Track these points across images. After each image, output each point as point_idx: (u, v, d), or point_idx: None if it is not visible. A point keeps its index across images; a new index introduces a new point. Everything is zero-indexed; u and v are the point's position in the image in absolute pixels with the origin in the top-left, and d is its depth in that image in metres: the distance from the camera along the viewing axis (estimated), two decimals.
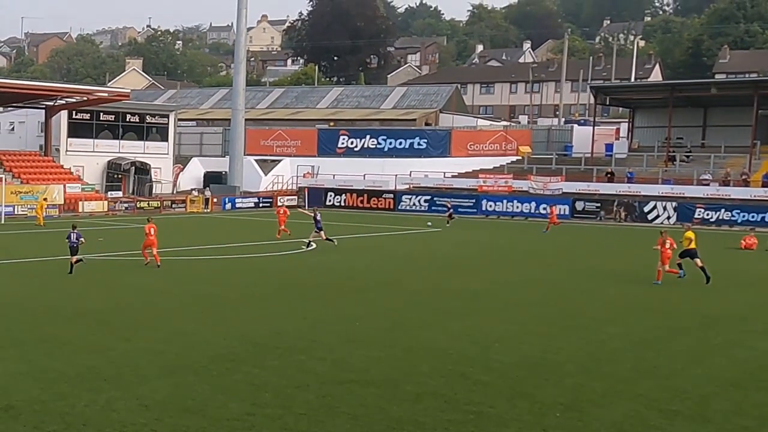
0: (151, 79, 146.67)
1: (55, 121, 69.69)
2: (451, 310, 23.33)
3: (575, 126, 79.03)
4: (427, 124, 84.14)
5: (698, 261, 28.96)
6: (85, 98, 67.66)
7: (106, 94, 67.62)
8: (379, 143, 77.95)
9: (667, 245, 28.52)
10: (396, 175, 69.94)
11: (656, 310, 23.62)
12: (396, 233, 49.92)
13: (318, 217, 39.73)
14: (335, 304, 23.94)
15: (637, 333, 20.44)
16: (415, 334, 19.93)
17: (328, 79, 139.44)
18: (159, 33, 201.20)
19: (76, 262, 29.74)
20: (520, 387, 15.29)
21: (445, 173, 69.84)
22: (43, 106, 68.52)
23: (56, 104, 68.07)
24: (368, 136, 78.60)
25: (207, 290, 26.36)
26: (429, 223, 54.34)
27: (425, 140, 76.64)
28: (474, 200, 65.41)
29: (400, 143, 77.32)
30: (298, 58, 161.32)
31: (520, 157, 72.12)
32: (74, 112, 71.56)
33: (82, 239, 30.15)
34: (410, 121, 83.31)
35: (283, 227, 43.97)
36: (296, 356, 17.48)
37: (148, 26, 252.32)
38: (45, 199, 56.60)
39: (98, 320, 21.23)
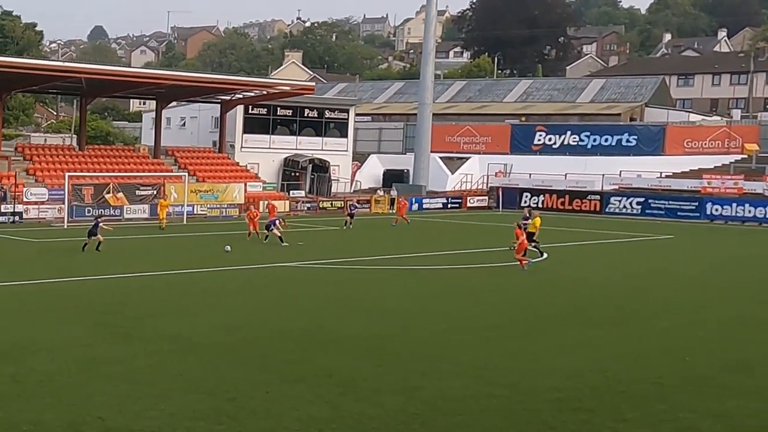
0: (311, 72, 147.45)
1: (230, 116, 69.75)
2: None
3: None
4: (631, 119, 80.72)
5: None
6: (265, 92, 67.24)
7: (288, 88, 66.98)
8: (581, 140, 75.16)
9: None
10: (603, 175, 67.00)
11: None
12: (620, 240, 47.23)
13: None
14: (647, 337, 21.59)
15: None
16: None
17: (501, 71, 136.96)
18: (315, 25, 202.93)
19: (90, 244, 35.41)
20: None
21: (661, 173, 66.41)
22: (219, 101, 68.61)
23: (233, 98, 68.05)
24: (569, 132, 75.96)
25: (471, 311, 24.57)
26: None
27: (635, 137, 73.41)
28: (696, 203, 61.87)
29: (606, 140, 74.30)
30: (466, 50, 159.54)
31: (746, 156, 68.03)
32: (250, 107, 71.53)
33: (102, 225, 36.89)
34: (613, 116, 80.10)
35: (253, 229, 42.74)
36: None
37: (298, 19, 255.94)
38: (164, 199, 53.42)
39: None
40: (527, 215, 39.03)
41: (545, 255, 36.52)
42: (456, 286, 28.69)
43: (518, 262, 32.00)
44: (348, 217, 51.22)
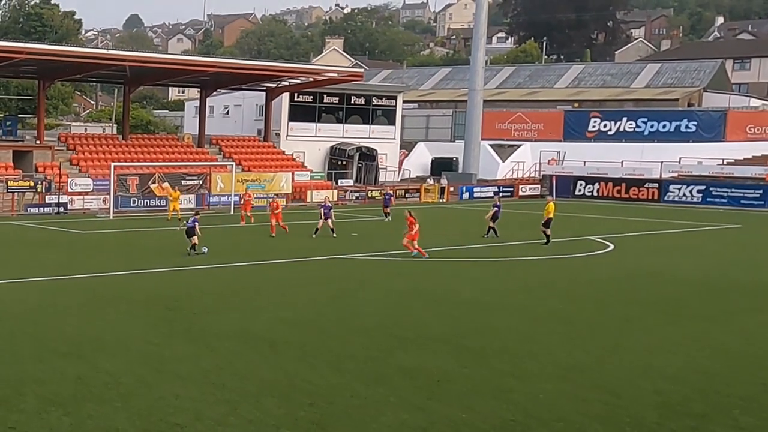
0: (353, 59, 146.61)
1: (275, 104, 69.02)
2: None
3: None
4: (689, 105, 79.07)
5: None
6: (312, 79, 66.40)
7: (336, 75, 66.03)
8: (638, 126, 73.77)
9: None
10: (662, 162, 65.52)
11: None
12: (685, 230, 45.97)
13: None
14: None
15: None
16: None
17: (548, 57, 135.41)
18: (355, 11, 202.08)
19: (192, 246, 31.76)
20: None
21: (723, 160, 64.86)
22: (264, 88, 67.86)
23: (279, 86, 67.27)
24: (625, 119, 74.58)
25: (550, 305, 23.57)
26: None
27: (695, 122, 71.88)
28: (761, 191, 60.25)
29: (664, 126, 72.85)
30: (510, 35, 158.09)
31: None
32: (296, 95, 70.79)
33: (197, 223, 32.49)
34: (671, 102, 78.49)
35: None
36: None
37: (336, 5, 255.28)
38: (177, 191, 50.94)
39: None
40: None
41: (548, 244, 36.46)
42: (528, 278, 27.70)
43: (409, 250, 31.99)
44: (384, 209, 48.58)
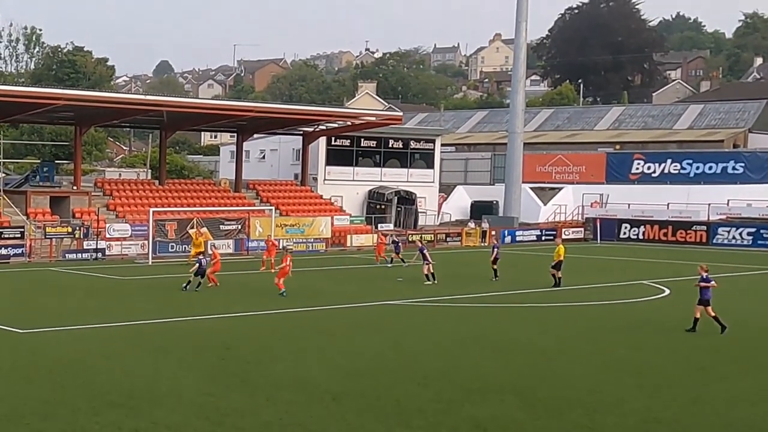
0: (386, 103, 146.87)
1: (312, 148, 68.80)
2: None
3: None
4: (734, 146, 78.20)
5: None
6: (349, 123, 66.13)
7: (374, 118, 65.68)
8: (683, 168, 72.88)
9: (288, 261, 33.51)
10: (709, 204, 64.66)
11: None
12: (741, 273, 45.02)
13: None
14: None
15: None
16: None
17: (584, 99, 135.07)
18: (387, 56, 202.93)
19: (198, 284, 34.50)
20: None
21: None
22: (301, 132, 67.70)
23: (316, 130, 67.06)
24: (669, 160, 73.76)
25: (619, 352, 22.81)
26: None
27: (742, 164, 70.92)
28: None
29: (710, 167, 71.89)
30: (544, 78, 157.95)
31: None
32: (333, 139, 70.61)
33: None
34: (716, 143, 77.67)
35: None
36: None
37: (366, 50, 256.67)
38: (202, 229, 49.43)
39: None
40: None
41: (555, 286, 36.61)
42: (589, 324, 26.91)
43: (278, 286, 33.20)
44: (393, 254, 48.23)
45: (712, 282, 25.52)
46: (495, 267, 40.12)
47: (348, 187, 70.88)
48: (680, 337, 24.94)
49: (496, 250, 40.92)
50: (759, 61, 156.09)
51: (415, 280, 39.46)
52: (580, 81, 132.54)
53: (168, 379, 18.75)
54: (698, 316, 25.34)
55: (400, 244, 49.79)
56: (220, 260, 37.03)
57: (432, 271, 38.66)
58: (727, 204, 65.29)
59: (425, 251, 39.52)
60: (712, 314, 25.23)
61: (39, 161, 67.75)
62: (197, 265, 35.37)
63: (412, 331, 25.62)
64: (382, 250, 50.45)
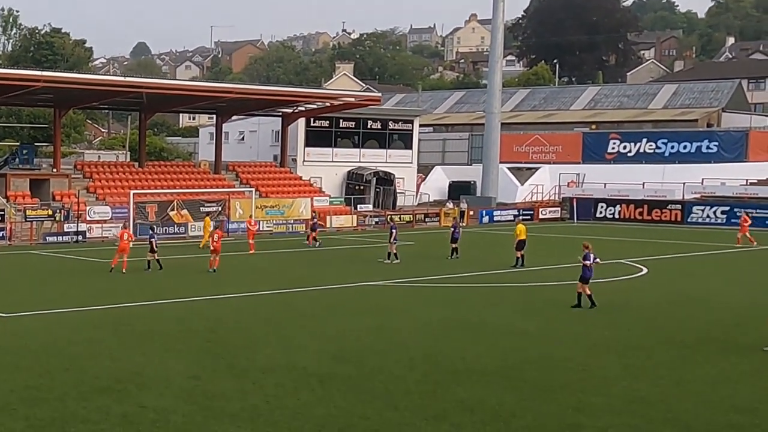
0: (363, 84, 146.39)
1: (291, 129, 68.47)
2: None
3: None
4: (708, 125, 78.44)
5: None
6: (328, 104, 65.86)
7: (353, 99, 65.44)
8: (658, 147, 73.12)
9: None
10: (684, 183, 64.85)
11: None
12: (714, 252, 45.20)
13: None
14: None
15: None
16: None
17: (560, 79, 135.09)
18: (364, 37, 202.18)
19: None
20: None
21: (746, 180, 64.16)
22: (280, 114, 67.35)
23: (295, 111, 66.73)
24: (644, 140, 74.01)
25: (603, 333, 22.81)
26: None
27: (716, 143, 71.21)
28: None
29: (685, 147, 72.19)
30: (519, 58, 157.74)
31: None
32: (312, 120, 70.29)
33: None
34: (690, 122, 77.86)
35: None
36: None
37: (343, 31, 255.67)
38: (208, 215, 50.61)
39: None
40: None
41: (520, 265, 36.92)
42: (570, 304, 26.81)
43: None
44: (311, 232, 48.41)
45: (594, 260, 26.16)
46: (454, 246, 40.46)
47: (327, 168, 70.62)
48: (661, 317, 25.01)
49: (453, 229, 41.27)
50: (731, 40, 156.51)
51: (404, 261, 39.27)
52: (555, 61, 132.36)
53: (154, 364, 18.59)
54: (581, 291, 25.90)
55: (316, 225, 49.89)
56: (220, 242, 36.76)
57: (396, 251, 38.71)
58: (702, 183, 65.50)
59: (395, 230, 39.61)
60: (588, 292, 25.80)
61: (18, 144, 67.06)
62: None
63: (396, 313, 25.52)
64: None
